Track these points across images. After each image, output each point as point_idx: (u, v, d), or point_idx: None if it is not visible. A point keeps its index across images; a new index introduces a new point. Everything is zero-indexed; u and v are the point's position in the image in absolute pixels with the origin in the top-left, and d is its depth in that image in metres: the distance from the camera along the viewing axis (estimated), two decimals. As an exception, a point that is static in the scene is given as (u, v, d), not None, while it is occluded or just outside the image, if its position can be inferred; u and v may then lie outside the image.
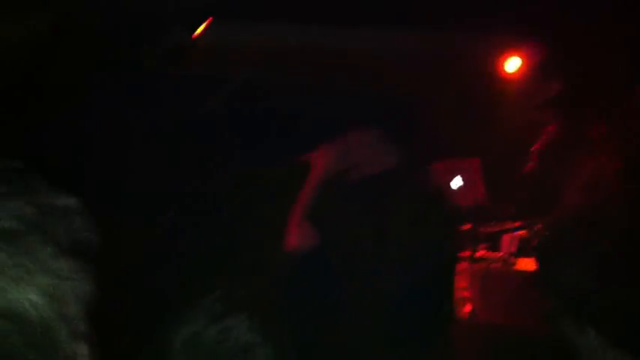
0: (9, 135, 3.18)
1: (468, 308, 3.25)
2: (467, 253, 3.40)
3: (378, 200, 1.85)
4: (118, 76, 3.28)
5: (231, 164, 3.86)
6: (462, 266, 3.34)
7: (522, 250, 3.35)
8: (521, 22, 3.89)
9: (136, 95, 3.33)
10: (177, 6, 3.25)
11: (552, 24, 3.74)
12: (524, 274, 3.14)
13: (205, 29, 3.38)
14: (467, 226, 3.57)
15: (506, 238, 3.54)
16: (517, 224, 3.52)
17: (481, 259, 3.46)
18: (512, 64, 4.29)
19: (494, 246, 3.60)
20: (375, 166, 1.87)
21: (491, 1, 3.72)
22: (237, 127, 3.87)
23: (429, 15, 3.74)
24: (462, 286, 3.33)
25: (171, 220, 3.23)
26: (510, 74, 4.24)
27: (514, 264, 3.38)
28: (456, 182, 3.99)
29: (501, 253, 3.50)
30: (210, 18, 3.37)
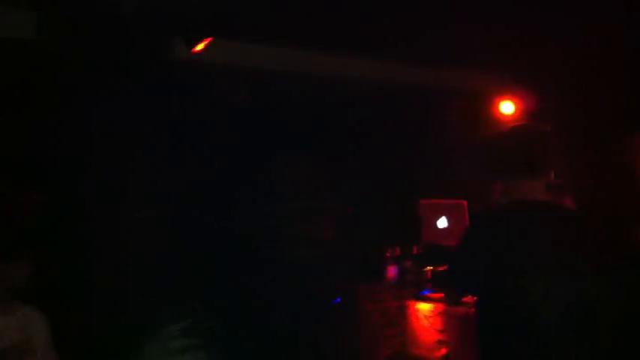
0: (9, 135, 3.21)
1: (443, 351, 3.22)
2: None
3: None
4: (118, 76, 3.27)
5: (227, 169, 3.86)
6: (440, 308, 3.32)
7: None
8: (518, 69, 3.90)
9: (136, 96, 3.34)
10: (180, 18, 3.25)
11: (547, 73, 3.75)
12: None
13: (205, 47, 3.39)
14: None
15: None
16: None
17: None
18: (507, 108, 4.28)
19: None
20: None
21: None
22: (236, 127, 3.86)
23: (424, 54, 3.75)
24: (439, 328, 3.30)
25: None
26: (504, 117, 4.23)
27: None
28: (442, 222, 3.97)
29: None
30: (211, 38, 3.38)
